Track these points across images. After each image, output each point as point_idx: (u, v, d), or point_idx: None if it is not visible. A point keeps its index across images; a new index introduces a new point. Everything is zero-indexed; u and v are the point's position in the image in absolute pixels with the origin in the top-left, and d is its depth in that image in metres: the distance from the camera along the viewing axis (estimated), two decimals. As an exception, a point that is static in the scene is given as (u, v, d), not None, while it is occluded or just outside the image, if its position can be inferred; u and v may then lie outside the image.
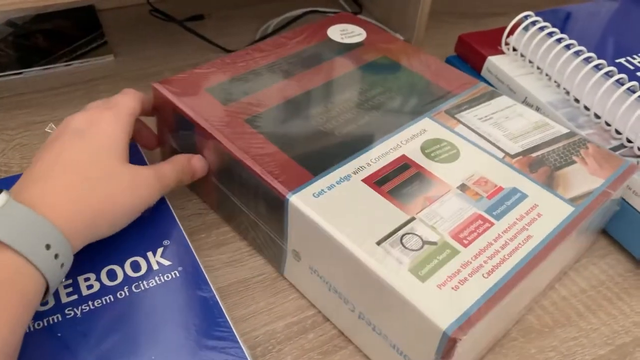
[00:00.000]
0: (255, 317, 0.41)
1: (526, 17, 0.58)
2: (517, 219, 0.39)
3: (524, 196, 0.40)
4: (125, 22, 0.72)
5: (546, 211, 0.39)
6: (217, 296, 0.39)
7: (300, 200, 0.38)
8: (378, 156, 0.42)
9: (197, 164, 0.45)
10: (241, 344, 0.36)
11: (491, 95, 0.50)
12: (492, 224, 0.38)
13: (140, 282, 0.39)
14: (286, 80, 0.49)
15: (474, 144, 0.44)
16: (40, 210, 0.33)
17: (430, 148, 0.44)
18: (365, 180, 0.40)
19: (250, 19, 0.73)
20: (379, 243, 0.36)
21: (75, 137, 0.39)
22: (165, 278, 0.40)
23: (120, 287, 0.39)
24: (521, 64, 0.59)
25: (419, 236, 0.37)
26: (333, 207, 0.38)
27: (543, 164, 0.43)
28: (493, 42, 0.62)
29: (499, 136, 0.45)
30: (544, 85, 0.56)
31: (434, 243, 0.37)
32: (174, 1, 0.74)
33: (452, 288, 0.34)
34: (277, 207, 0.40)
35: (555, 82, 0.55)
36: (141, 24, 0.72)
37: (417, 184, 0.40)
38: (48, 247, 0.33)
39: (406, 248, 0.36)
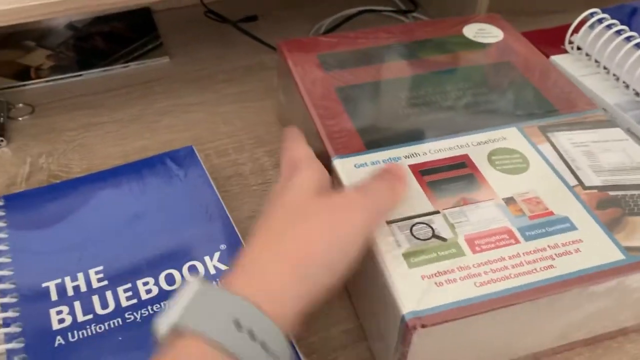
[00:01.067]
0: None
1: (592, 14, 0.56)
2: (548, 246, 0.36)
3: (571, 228, 0.37)
4: (180, 24, 0.72)
5: (588, 249, 0.35)
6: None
7: (342, 166, 0.40)
8: (438, 149, 0.42)
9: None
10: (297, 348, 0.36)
11: (602, 125, 0.45)
12: (518, 242, 0.36)
13: None
14: (394, 62, 0.51)
15: (549, 164, 0.42)
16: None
17: (498, 156, 0.42)
18: (411, 167, 0.40)
19: (303, 19, 0.73)
20: (389, 222, 0.36)
21: (324, 226, 0.32)
22: None
23: None
24: (586, 64, 0.56)
25: (432, 228, 0.36)
26: None
27: (616, 204, 0.39)
28: (554, 40, 0.59)
29: (584, 165, 0.42)
30: (611, 86, 0.53)
31: (443, 239, 0.36)
32: (228, 2, 0.74)
33: (436, 283, 0.33)
34: (326, 166, 0.40)
35: (623, 82, 0.53)
36: (195, 25, 0.72)
37: (463, 184, 0.39)
38: (237, 324, 0.28)
39: (413, 235, 0.36)
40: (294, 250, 0.31)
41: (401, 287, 0.33)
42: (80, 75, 0.64)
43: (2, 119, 0.58)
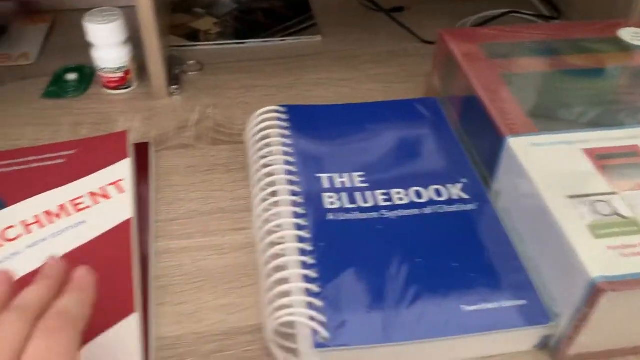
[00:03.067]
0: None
1: None
2: None
3: None
4: (333, 8, 0.79)
5: None
6: (512, 240, 0.43)
7: (516, 144, 0.44)
8: (608, 138, 0.45)
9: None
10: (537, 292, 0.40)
11: None
12: None
13: (442, 205, 0.45)
14: (553, 56, 0.55)
15: None
16: None
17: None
18: (587, 151, 0.43)
19: (446, 14, 0.77)
20: (571, 197, 0.39)
21: None
22: (464, 208, 0.45)
23: (425, 205, 0.45)
24: None
25: (613, 207, 0.39)
26: (543, 160, 0.42)
27: None
28: None
29: None
30: None
31: (624, 217, 0.38)
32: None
33: (622, 255, 0.36)
34: (495, 146, 0.45)
35: None
36: (346, 10, 0.78)
37: (636, 171, 0.42)
38: None
39: (595, 210, 0.39)
40: None
41: (588, 254, 0.36)
42: (243, 43, 0.71)
43: (177, 70, 0.65)
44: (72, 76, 0.65)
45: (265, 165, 0.48)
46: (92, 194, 0.47)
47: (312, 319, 0.37)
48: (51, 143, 0.53)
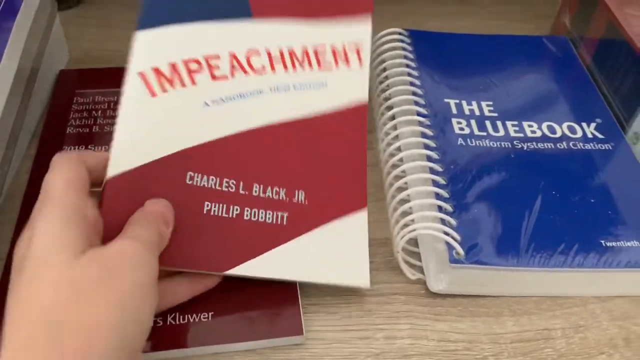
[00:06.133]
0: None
1: None
2: None
3: None
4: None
5: None
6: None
7: None
8: None
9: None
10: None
11: None
12: None
13: (577, 142, 0.43)
14: None
15: None
16: None
17: None
18: None
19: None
20: None
21: (109, 302, 0.26)
22: (600, 147, 0.43)
23: (559, 140, 0.43)
24: None
25: None
26: None
27: None
28: None
29: None
30: None
31: None
32: None
33: None
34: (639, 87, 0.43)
35: None
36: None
37: None
38: None
39: None
40: (78, 343, 0.24)
41: None
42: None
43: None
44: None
45: (389, 86, 0.47)
46: (334, 51, 0.39)
47: (446, 235, 0.36)
48: None
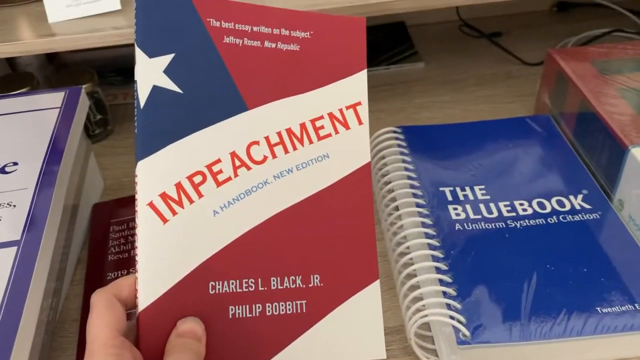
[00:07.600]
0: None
1: None
2: None
3: None
4: (431, 36, 0.82)
5: None
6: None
7: None
8: None
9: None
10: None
11: None
12: None
13: (566, 215, 0.47)
14: None
15: None
16: None
17: None
18: None
19: (542, 38, 0.79)
20: None
21: None
22: (588, 217, 0.47)
23: (549, 215, 0.47)
24: None
25: None
26: None
27: None
28: None
29: None
30: None
31: None
32: (474, 21, 0.83)
33: None
34: (616, 157, 0.47)
35: None
36: (445, 37, 0.82)
37: None
38: None
39: None
40: None
41: None
42: (351, 72, 0.76)
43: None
44: None
45: (388, 182, 0.52)
46: (332, 117, 0.38)
47: (452, 318, 0.40)
48: (284, 9, 0.38)
